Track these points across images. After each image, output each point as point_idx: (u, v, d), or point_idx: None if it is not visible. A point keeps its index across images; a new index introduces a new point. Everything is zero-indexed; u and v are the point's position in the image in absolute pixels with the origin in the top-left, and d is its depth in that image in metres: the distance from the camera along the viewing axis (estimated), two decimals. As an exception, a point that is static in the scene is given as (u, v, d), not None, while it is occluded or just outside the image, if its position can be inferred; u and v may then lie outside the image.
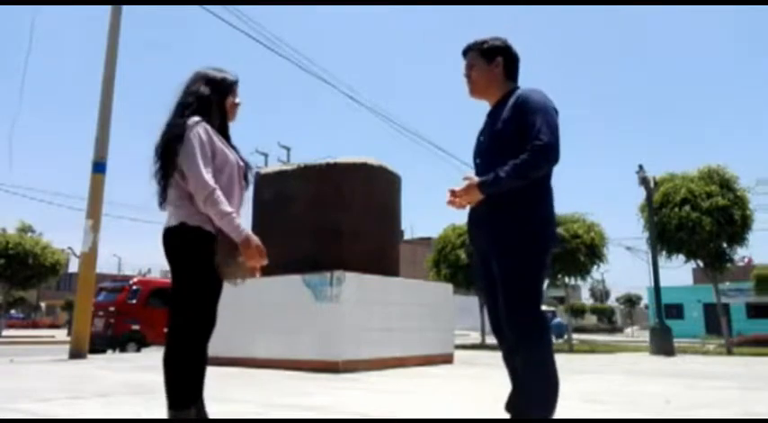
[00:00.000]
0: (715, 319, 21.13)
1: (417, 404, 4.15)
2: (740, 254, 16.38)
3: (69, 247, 34.64)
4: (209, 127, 2.51)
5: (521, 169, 2.36)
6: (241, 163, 2.65)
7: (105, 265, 65.06)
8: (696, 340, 23.35)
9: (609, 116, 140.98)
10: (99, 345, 12.33)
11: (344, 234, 7.42)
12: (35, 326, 45.37)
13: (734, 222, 13.58)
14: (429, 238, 37.08)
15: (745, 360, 11.23)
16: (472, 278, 16.64)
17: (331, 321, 6.67)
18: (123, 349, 13.20)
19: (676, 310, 33.74)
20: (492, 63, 2.63)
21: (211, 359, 2.58)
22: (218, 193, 2.39)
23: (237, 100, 2.71)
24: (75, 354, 8.40)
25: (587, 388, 5.32)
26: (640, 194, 14.86)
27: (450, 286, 9.41)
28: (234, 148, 2.67)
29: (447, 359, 8.45)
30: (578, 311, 55.10)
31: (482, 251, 2.59)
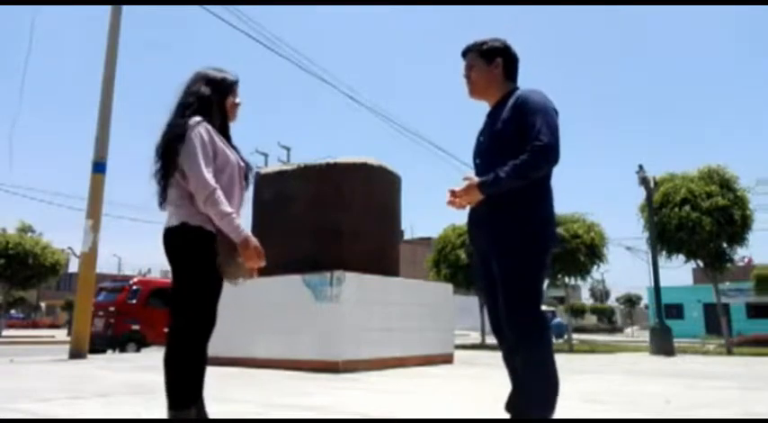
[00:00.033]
0: (715, 319, 21.13)
1: (417, 404, 4.15)
2: (740, 254, 16.42)
3: (69, 247, 34.67)
4: (210, 127, 2.52)
5: (521, 169, 2.36)
6: (242, 163, 2.66)
7: (105, 265, 65.11)
8: (696, 340, 23.35)
9: (609, 116, 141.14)
10: (99, 345, 12.33)
11: (344, 234, 7.42)
12: (35, 326, 45.37)
13: (734, 222, 13.58)
14: (429, 238, 37.09)
15: (745, 360, 11.23)
16: (472, 278, 16.64)
17: (331, 321, 6.67)
18: (123, 349, 13.20)
19: (676, 310, 33.74)
20: (491, 64, 2.64)
21: (211, 359, 2.58)
22: (219, 193, 2.39)
23: (238, 100, 2.71)
24: (75, 354, 8.40)
25: (587, 388, 5.32)
26: (640, 194, 14.88)
27: (450, 286, 9.41)
28: (234, 148, 2.67)
29: (447, 359, 8.45)
30: (578, 311, 55.11)
31: (482, 251, 2.59)
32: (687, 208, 13.73)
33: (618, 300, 67.81)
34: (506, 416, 2.52)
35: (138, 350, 13.25)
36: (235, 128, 2.75)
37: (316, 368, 6.47)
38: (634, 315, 63.45)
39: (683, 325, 30.91)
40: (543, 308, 2.81)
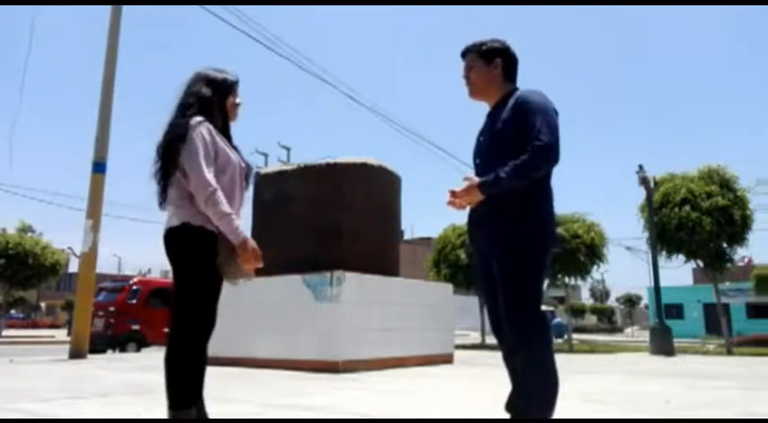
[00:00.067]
0: (715, 319, 21.13)
1: (417, 404, 4.15)
2: (740, 254, 16.42)
3: (69, 247, 34.67)
4: (211, 127, 2.52)
5: (521, 170, 2.36)
6: (243, 164, 2.66)
7: (105, 265, 65.17)
8: (696, 340, 23.36)
9: (609, 116, 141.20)
10: (99, 345, 12.33)
11: (344, 234, 7.42)
12: (35, 326, 45.36)
13: (734, 222, 13.58)
14: (429, 238, 37.08)
15: (745, 360, 11.24)
16: (472, 278, 16.64)
17: (331, 321, 6.67)
18: (123, 349, 13.20)
19: (676, 310, 33.75)
20: (491, 64, 2.64)
21: (211, 359, 2.58)
22: (219, 193, 2.39)
23: (238, 100, 2.72)
24: (75, 354, 8.40)
25: (587, 388, 5.32)
26: (640, 194, 14.88)
27: (450, 286, 9.41)
28: (235, 148, 2.68)
29: (447, 359, 8.45)
30: (578, 311, 55.13)
31: (482, 251, 2.59)
32: (687, 208, 13.74)
33: (618, 300, 67.82)
34: (506, 416, 2.52)
35: (138, 350, 13.25)
36: (235, 128, 2.76)
37: (316, 368, 6.47)
38: (634, 315, 63.46)
39: (683, 325, 30.92)
40: (543, 308, 2.81)
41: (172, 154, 2.45)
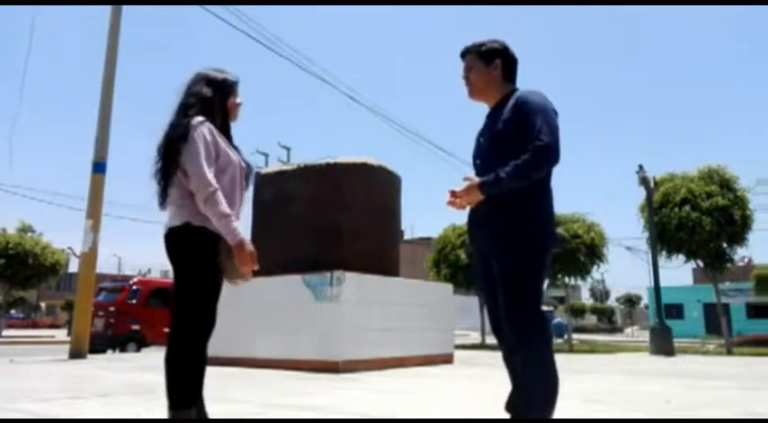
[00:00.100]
0: (715, 319, 21.14)
1: (417, 404, 4.15)
2: (740, 254, 16.41)
3: (69, 247, 34.66)
4: (213, 127, 2.53)
5: (521, 170, 2.36)
6: (243, 164, 2.67)
7: (105, 265, 65.12)
8: (696, 340, 23.36)
9: (609, 116, 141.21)
10: (99, 345, 12.34)
11: (344, 234, 7.42)
12: (35, 326, 45.36)
13: (734, 222, 13.58)
14: (429, 238, 37.08)
15: (745, 360, 11.24)
16: (472, 278, 16.65)
17: (331, 321, 6.67)
18: (123, 349, 13.20)
19: (676, 310, 33.75)
20: (490, 65, 2.64)
21: (211, 359, 2.59)
22: (219, 193, 2.40)
23: (239, 100, 2.72)
24: (75, 354, 8.40)
25: (587, 388, 5.32)
26: (640, 194, 14.88)
27: (450, 286, 9.41)
28: (236, 148, 2.68)
29: (447, 359, 8.45)
30: (578, 311, 55.12)
31: (482, 251, 2.59)
32: (687, 208, 13.74)
33: (618, 300, 67.82)
34: (506, 416, 2.52)
35: (138, 350, 13.25)
36: (235, 128, 2.77)
37: (316, 368, 6.47)
38: (634, 315, 63.46)
39: (683, 325, 30.92)
40: (543, 308, 2.81)
41: (173, 154, 2.45)
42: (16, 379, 5.59)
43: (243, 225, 2.49)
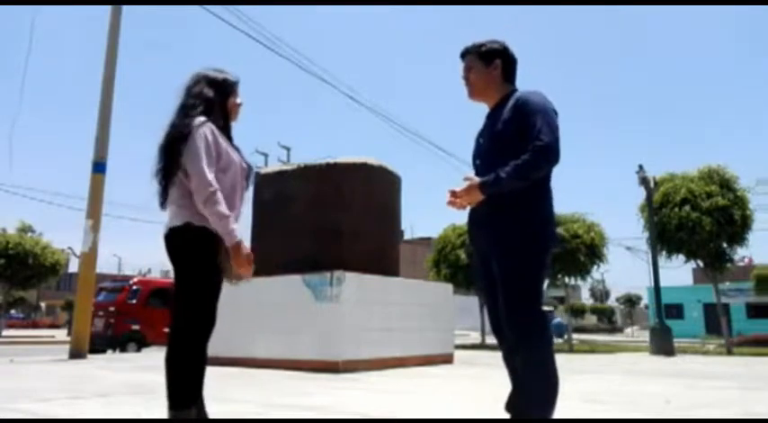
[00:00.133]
0: (715, 319, 21.14)
1: (417, 404, 4.15)
2: (740, 254, 16.42)
3: (69, 247, 34.66)
4: (214, 128, 2.53)
5: (521, 170, 2.36)
6: (244, 164, 2.67)
7: (105, 265, 65.10)
8: (696, 340, 23.36)
9: (609, 116, 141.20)
10: (99, 345, 12.34)
11: (344, 234, 7.42)
12: (35, 326, 45.37)
13: (734, 222, 13.58)
14: (429, 238, 37.07)
15: (745, 360, 11.24)
16: (472, 278, 16.65)
17: (331, 321, 6.67)
18: (123, 349, 13.20)
19: (676, 310, 33.75)
20: (490, 65, 2.64)
21: (211, 359, 2.59)
22: (219, 194, 2.40)
23: (239, 100, 2.72)
24: (75, 354, 8.40)
25: (587, 388, 5.33)
26: (640, 194, 14.88)
27: (450, 286, 9.41)
28: (236, 148, 2.69)
29: (447, 359, 8.46)
30: (578, 311, 55.12)
31: (482, 251, 2.59)
32: (687, 208, 13.74)
33: (618, 300, 67.82)
34: (506, 416, 2.52)
35: (138, 350, 13.25)
36: (235, 128, 2.77)
37: (316, 368, 6.48)
38: (634, 315, 63.45)
39: (683, 325, 30.92)
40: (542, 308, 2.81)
41: (174, 154, 2.46)
42: (16, 379, 5.59)
43: (243, 225, 2.50)
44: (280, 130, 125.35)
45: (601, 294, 74.34)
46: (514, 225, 2.44)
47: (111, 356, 10.70)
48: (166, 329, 2.55)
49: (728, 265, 14.62)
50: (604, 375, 7.09)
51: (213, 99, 2.59)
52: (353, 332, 6.77)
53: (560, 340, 18.87)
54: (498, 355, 2.68)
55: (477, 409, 3.75)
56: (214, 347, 2.57)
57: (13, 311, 47.80)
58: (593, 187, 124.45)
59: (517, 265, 2.41)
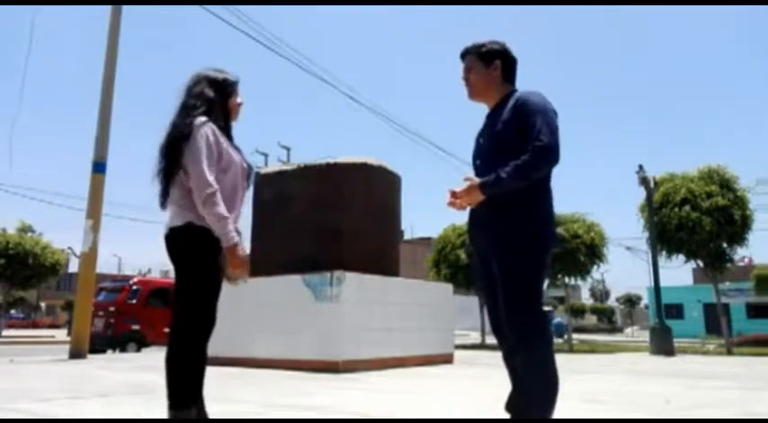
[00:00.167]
0: (715, 319, 21.14)
1: (417, 404, 4.15)
2: (740, 254, 16.42)
3: (69, 247, 34.67)
4: (215, 128, 2.53)
5: (521, 170, 2.36)
6: (245, 164, 2.67)
7: (105, 265, 65.10)
8: (696, 340, 23.36)
9: (609, 116, 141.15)
10: (99, 345, 12.34)
11: (344, 234, 7.42)
12: (35, 326, 45.37)
13: (734, 222, 13.59)
14: (429, 238, 37.08)
15: (745, 360, 11.24)
16: (472, 278, 16.65)
17: (331, 321, 6.67)
18: (123, 349, 13.20)
19: (676, 310, 33.75)
20: (490, 66, 2.64)
21: (211, 359, 2.59)
22: (218, 195, 2.40)
23: (239, 100, 2.72)
24: (75, 354, 8.40)
25: (587, 388, 5.33)
26: (640, 194, 14.88)
27: (450, 286, 9.42)
28: (237, 148, 2.69)
29: (447, 359, 8.46)
30: (578, 311, 55.12)
31: (482, 252, 2.59)
32: (687, 208, 13.74)
33: (618, 300, 67.82)
34: (506, 416, 2.52)
35: (138, 350, 13.26)
36: (235, 128, 2.78)
37: (316, 368, 6.48)
38: (634, 315, 63.46)
39: (683, 325, 30.92)
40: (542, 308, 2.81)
41: (175, 154, 2.46)
42: (16, 379, 5.59)
43: (243, 225, 2.50)
44: (280, 130, 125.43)
45: (601, 294, 74.35)
46: (514, 224, 2.44)
47: (111, 356, 10.70)
48: (166, 329, 2.55)
49: (728, 265, 14.62)
50: (604, 375, 7.09)
51: (214, 99, 2.60)
52: (353, 332, 6.77)
53: (560, 340, 18.87)
54: (498, 355, 2.68)
55: (477, 409, 3.75)
56: (214, 347, 2.57)
57: (13, 311, 47.81)
58: (593, 187, 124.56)
59: (517, 264, 2.42)
